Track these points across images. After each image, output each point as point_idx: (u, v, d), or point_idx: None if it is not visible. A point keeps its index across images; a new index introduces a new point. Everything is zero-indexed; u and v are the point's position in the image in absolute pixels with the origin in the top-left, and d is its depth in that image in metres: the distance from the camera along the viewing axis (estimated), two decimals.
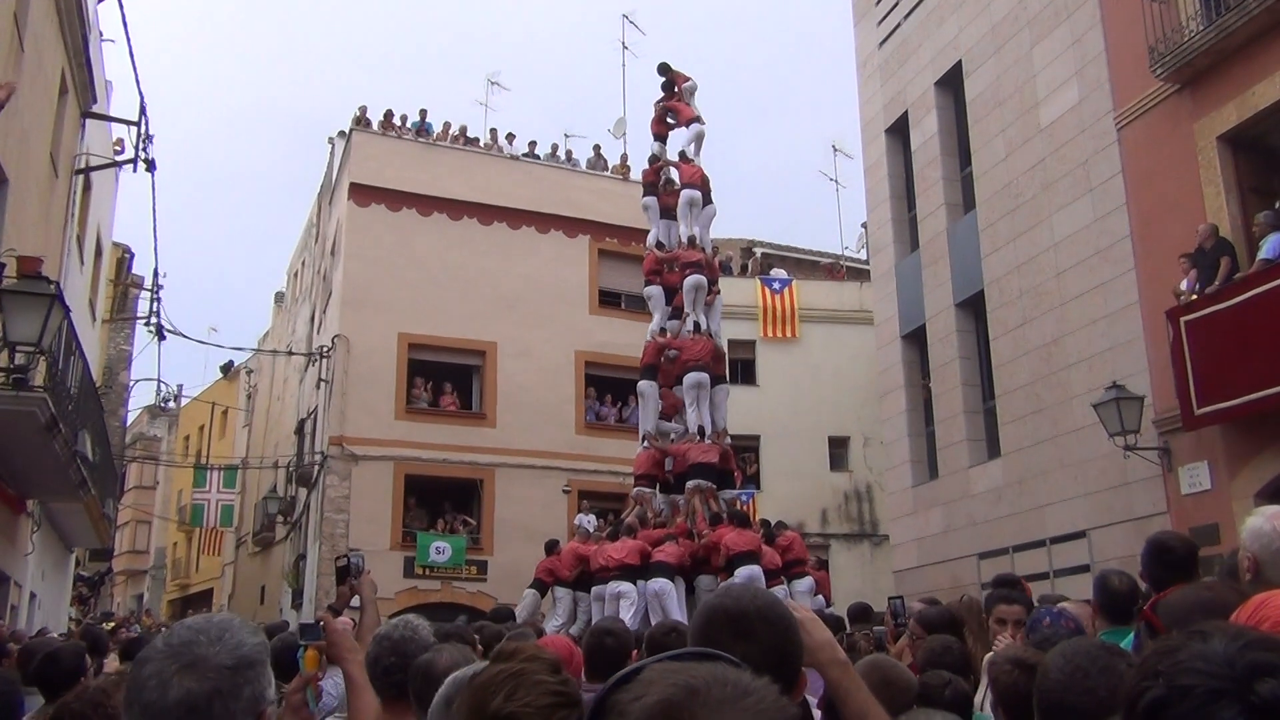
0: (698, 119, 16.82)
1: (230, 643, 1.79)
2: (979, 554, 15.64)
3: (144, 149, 15.35)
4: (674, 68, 17.44)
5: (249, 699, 1.77)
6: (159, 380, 37.75)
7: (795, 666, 2.00)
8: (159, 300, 19.70)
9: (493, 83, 28.42)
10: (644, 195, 17.16)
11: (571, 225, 24.47)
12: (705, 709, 1.03)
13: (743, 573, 12.25)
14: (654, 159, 17.23)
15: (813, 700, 2.50)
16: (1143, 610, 2.97)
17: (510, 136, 25.63)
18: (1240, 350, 10.96)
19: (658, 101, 17.46)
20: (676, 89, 17.23)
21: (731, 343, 21.30)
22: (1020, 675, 3.03)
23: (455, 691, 2.41)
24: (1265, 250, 10.93)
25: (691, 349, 14.98)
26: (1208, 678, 1.22)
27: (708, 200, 16.46)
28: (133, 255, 25.42)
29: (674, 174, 16.72)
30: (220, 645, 1.78)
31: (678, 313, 15.87)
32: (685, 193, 16.10)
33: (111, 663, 8.25)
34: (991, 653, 4.32)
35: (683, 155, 16.62)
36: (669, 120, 17.29)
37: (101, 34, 16.80)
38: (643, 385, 15.60)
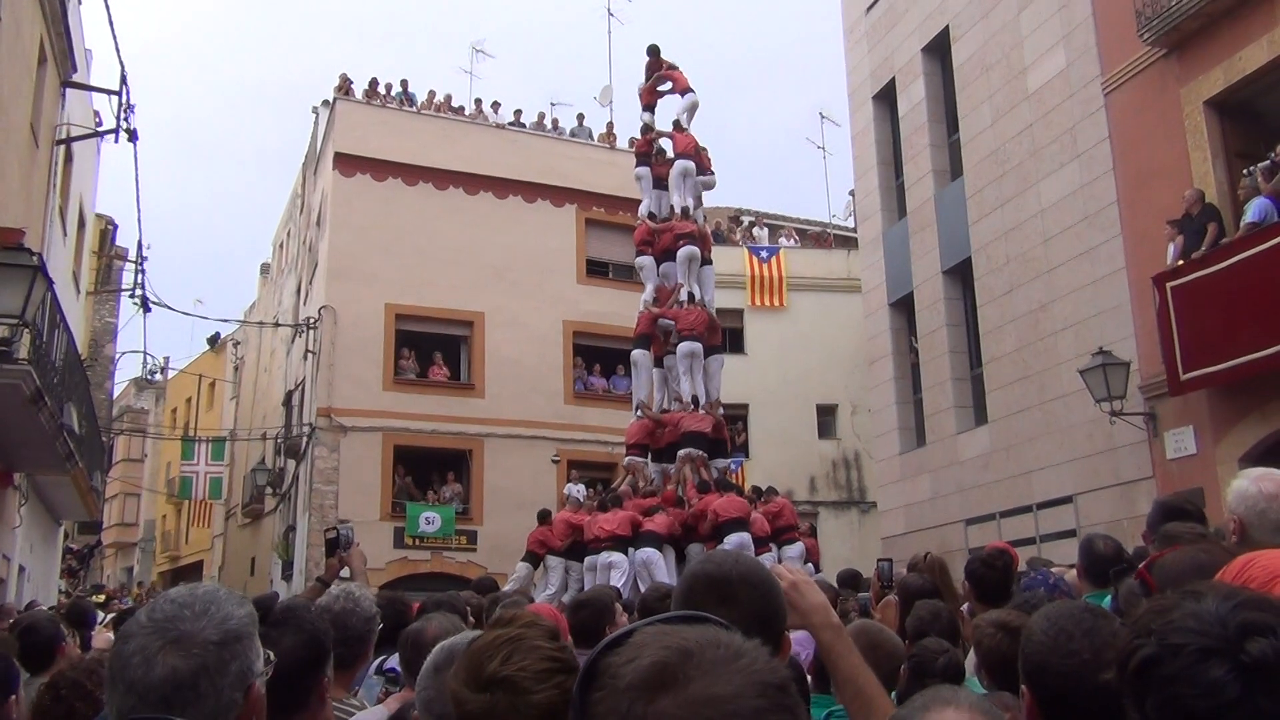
0: (691, 89, 16.71)
1: (216, 617, 1.74)
2: (966, 520, 15.75)
3: (125, 119, 15.18)
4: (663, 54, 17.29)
5: (236, 674, 1.73)
6: (145, 353, 37.48)
7: (778, 629, 2.01)
8: (143, 272, 19.61)
9: (477, 50, 28.23)
10: (637, 165, 17.08)
11: (558, 194, 24.34)
12: (699, 670, 1.03)
13: (731, 539, 12.31)
14: (646, 129, 17.13)
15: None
16: (1135, 570, 2.99)
17: (495, 105, 25.46)
18: (1226, 315, 11.01)
19: (648, 70, 17.27)
20: (663, 67, 17.08)
21: (720, 311, 21.27)
22: (1004, 638, 3.05)
23: (445, 658, 2.42)
24: (1250, 214, 10.96)
25: (685, 319, 14.99)
26: (1199, 636, 1.23)
27: (705, 171, 16.38)
28: (116, 227, 25.14)
29: (666, 144, 16.65)
30: (206, 620, 1.73)
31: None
32: (678, 163, 16.01)
33: (100, 635, 8.24)
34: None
35: (676, 125, 16.50)
36: (660, 90, 17.14)
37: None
38: (636, 355, 15.62)
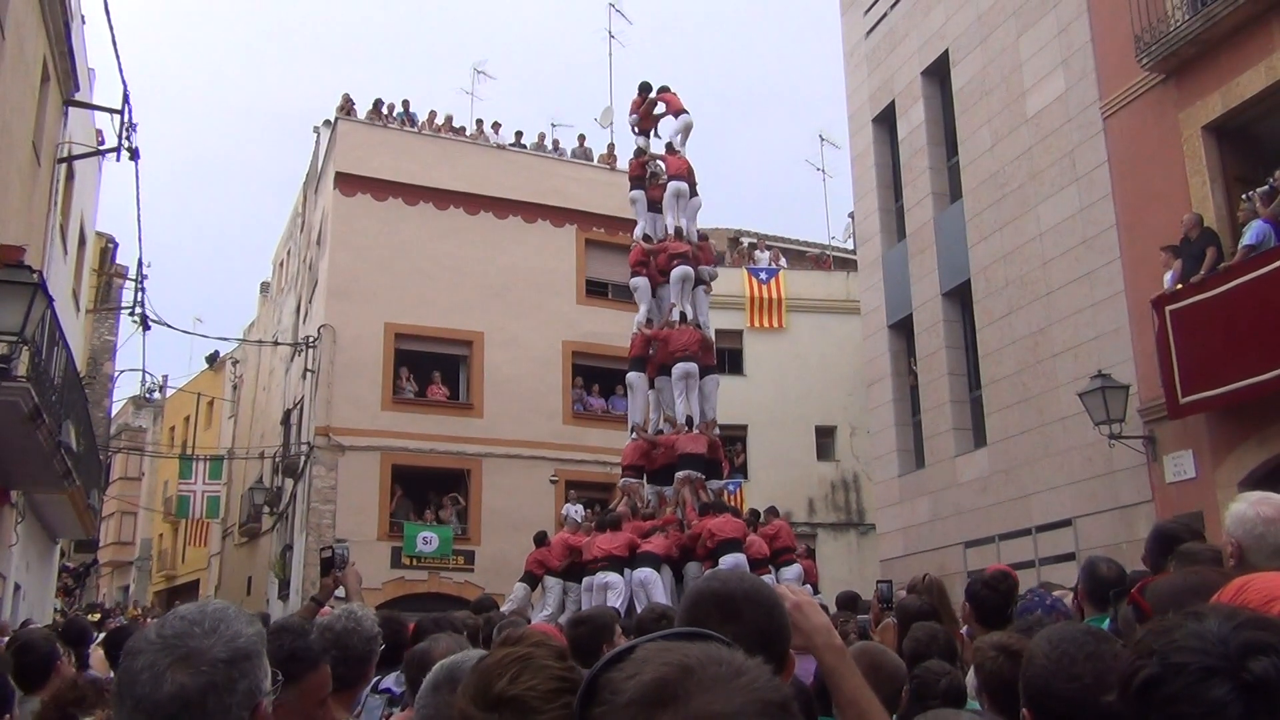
0: (685, 110, 16.76)
1: (226, 634, 1.73)
2: (965, 542, 15.70)
3: (127, 137, 15.23)
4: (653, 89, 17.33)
5: (244, 692, 1.72)
6: (144, 371, 37.66)
7: (782, 648, 2.01)
8: (143, 290, 19.62)
9: (479, 71, 28.38)
10: (631, 189, 17.11)
11: (558, 215, 24.41)
12: (700, 687, 1.03)
13: (726, 560, 12.26)
14: (640, 152, 17.18)
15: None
16: (1129, 593, 2.99)
17: (496, 125, 25.56)
18: (1225, 339, 11.02)
19: (633, 107, 17.32)
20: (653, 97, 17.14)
21: (719, 332, 21.35)
22: (1005, 661, 3.04)
23: (444, 677, 2.41)
24: (1247, 236, 10.98)
25: (678, 339, 14.96)
26: (1201, 656, 1.23)
27: (693, 192, 16.44)
28: (116, 245, 25.21)
29: (660, 166, 16.69)
30: (215, 637, 1.72)
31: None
32: (672, 184, 16.04)
33: (95, 653, 8.19)
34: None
35: (669, 147, 16.55)
36: (656, 114, 17.19)
37: (84, 19, 16.64)
38: (631, 377, 15.61)
